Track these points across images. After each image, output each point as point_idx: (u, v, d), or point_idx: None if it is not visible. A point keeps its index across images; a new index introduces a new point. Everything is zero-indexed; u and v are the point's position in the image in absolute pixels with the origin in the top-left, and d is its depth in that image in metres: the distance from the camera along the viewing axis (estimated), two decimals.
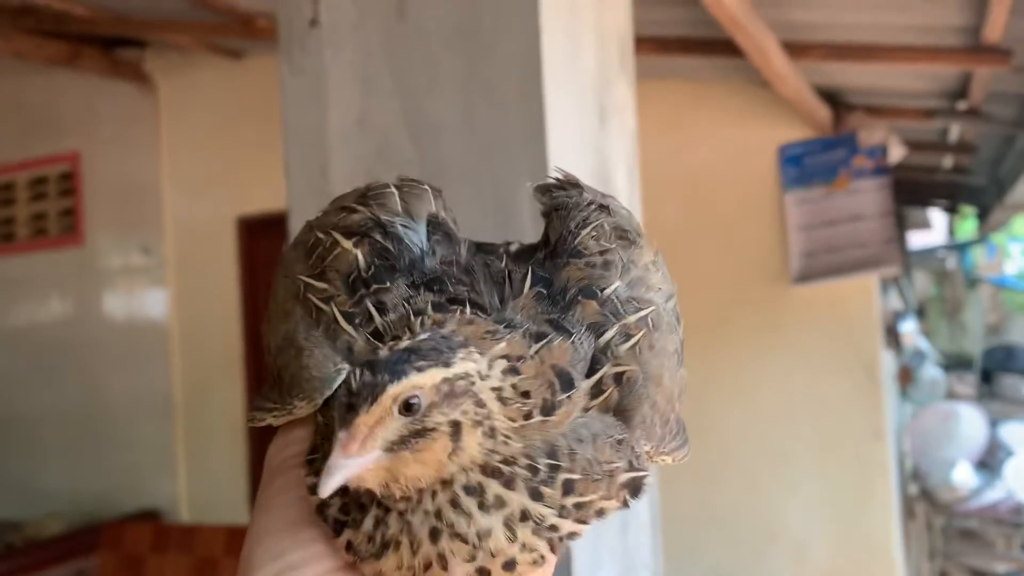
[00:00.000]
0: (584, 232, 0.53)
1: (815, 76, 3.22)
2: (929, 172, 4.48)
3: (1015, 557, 4.51)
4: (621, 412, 0.49)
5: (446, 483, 0.46)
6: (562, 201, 0.56)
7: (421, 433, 0.45)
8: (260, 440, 4.13)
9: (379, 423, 0.45)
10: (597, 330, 0.49)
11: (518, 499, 0.46)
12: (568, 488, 0.46)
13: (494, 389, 0.46)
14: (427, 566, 0.45)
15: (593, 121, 1.24)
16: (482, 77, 1.13)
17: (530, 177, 1.13)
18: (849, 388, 3.53)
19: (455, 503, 0.46)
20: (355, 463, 0.45)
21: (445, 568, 0.45)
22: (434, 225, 0.54)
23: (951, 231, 7.50)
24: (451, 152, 1.14)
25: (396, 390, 0.44)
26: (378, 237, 0.53)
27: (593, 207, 0.55)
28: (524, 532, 0.46)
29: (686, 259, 3.63)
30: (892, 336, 3.96)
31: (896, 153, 3.62)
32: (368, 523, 0.46)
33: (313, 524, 0.47)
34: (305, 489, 0.48)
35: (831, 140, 3.60)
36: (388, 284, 0.51)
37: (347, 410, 0.44)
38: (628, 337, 0.50)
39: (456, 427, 0.45)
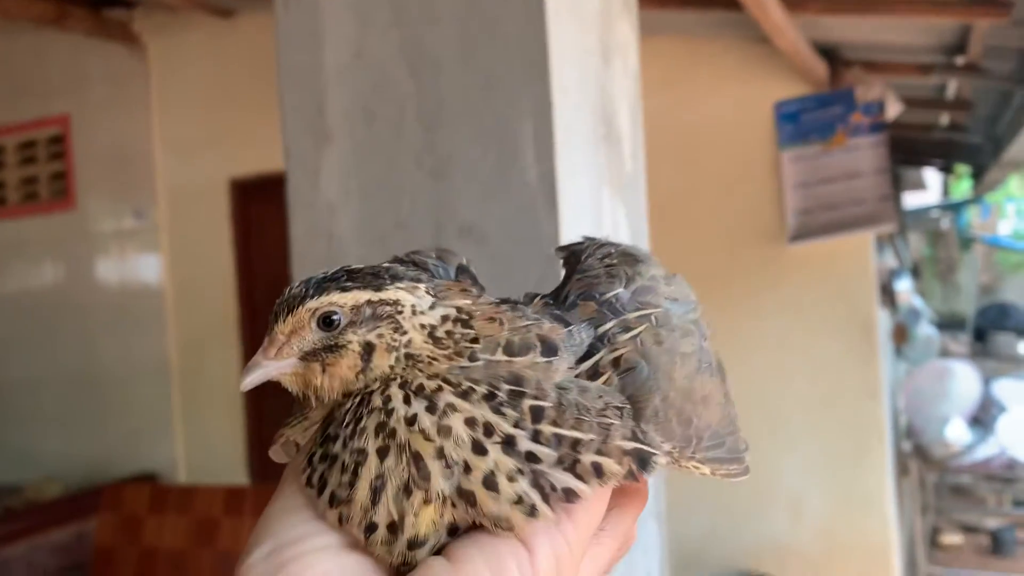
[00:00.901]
0: (591, 259, 0.57)
1: (812, 31, 3.19)
2: (925, 130, 4.46)
3: (1006, 513, 4.56)
4: (630, 403, 0.49)
5: (386, 383, 0.48)
6: (576, 247, 0.60)
7: (333, 348, 0.49)
8: (257, 402, 4.13)
9: (295, 333, 0.49)
10: (595, 325, 0.51)
11: (478, 410, 0.46)
12: (537, 414, 0.46)
13: (424, 326, 0.49)
14: (406, 488, 0.45)
15: (596, 58, 1.22)
16: (483, 9, 1.11)
17: (532, 114, 1.11)
18: (844, 346, 3.54)
19: (395, 398, 0.47)
20: (273, 366, 0.50)
21: (427, 480, 0.44)
22: (463, 270, 0.61)
23: (945, 191, 7.49)
24: (450, 87, 1.12)
25: (313, 304, 0.49)
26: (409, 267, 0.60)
27: (603, 242, 0.59)
28: (495, 450, 0.45)
29: (681, 218, 3.62)
30: (887, 294, 3.97)
31: (893, 109, 3.60)
32: (336, 447, 0.47)
33: (312, 508, 0.47)
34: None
35: (828, 96, 3.57)
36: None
37: (273, 317, 0.50)
38: (628, 329, 0.51)
39: (368, 348, 0.49)
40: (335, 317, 0.49)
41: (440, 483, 0.44)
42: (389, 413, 0.46)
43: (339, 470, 0.46)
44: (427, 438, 0.45)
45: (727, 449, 0.55)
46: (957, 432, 3.91)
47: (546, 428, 0.46)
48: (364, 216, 1.31)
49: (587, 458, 0.46)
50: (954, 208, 7.03)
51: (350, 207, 1.32)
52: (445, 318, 0.49)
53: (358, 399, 0.48)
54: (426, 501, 0.44)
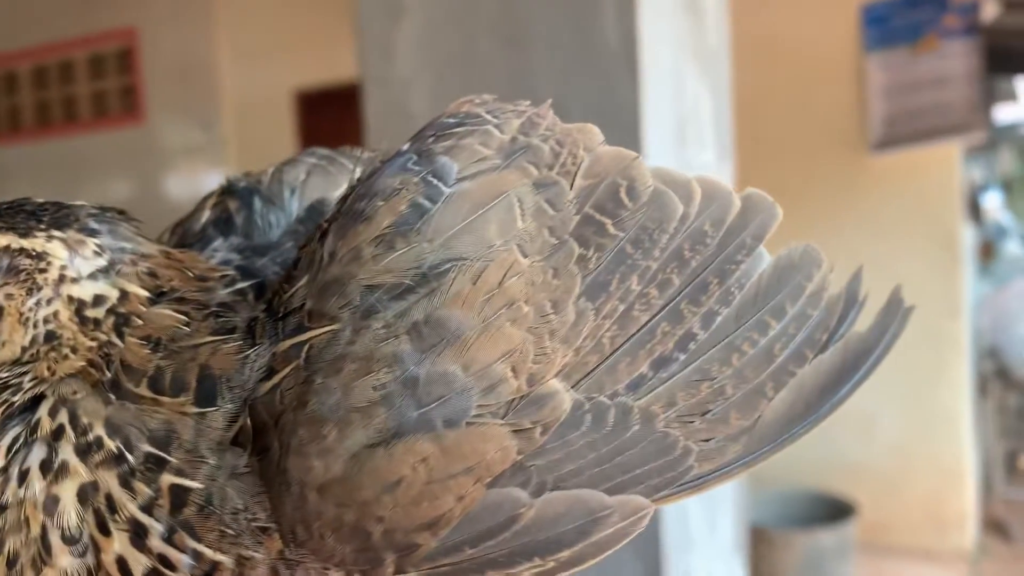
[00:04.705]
0: (327, 217, 0.41)
1: None
2: (1023, 36, 4.18)
3: None
4: (272, 503, 0.35)
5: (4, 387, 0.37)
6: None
7: None
8: None
9: None
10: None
11: (100, 476, 0.35)
12: (178, 501, 0.35)
13: (73, 299, 0.38)
14: (34, 561, 0.36)
15: None
16: None
17: None
18: (926, 262, 3.40)
19: (6, 431, 0.37)
20: None
21: (50, 555, 0.36)
22: (313, 212, 0.48)
23: None
24: None
25: None
26: (231, 206, 0.48)
27: (367, 177, 0.41)
28: (121, 539, 0.35)
29: (758, 125, 3.47)
30: (974, 209, 3.79)
31: (989, 11, 3.38)
32: None
33: None
34: None
35: None
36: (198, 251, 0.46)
37: None
38: (271, 373, 0.36)
39: None
40: None
41: (67, 560, 0.36)
42: None
43: None
44: (35, 507, 0.36)
45: (510, 538, 0.35)
46: None
47: (183, 534, 0.35)
48: (440, 91, 1.27)
49: None
50: None
51: (425, 82, 1.28)
52: (100, 299, 0.38)
53: None
54: None
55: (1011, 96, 5.54)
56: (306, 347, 0.34)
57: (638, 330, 0.38)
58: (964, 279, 3.47)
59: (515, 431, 0.34)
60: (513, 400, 0.34)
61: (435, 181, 0.37)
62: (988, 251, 4.13)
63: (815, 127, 3.50)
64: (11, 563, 0.36)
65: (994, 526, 3.75)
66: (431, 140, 0.39)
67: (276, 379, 0.35)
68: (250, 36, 4.23)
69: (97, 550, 0.35)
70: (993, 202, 4.08)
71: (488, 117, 0.41)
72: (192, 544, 0.35)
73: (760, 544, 3.20)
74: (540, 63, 1.19)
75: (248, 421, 0.35)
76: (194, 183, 4.48)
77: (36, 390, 0.37)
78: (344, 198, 0.39)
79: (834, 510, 3.41)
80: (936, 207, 3.40)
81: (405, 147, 0.40)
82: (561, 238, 0.38)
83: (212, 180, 4.42)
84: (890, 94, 3.38)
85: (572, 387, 0.37)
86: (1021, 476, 4.08)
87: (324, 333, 0.34)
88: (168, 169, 4.51)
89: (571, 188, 0.40)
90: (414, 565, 0.34)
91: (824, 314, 0.41)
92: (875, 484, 3.53)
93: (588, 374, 0.37)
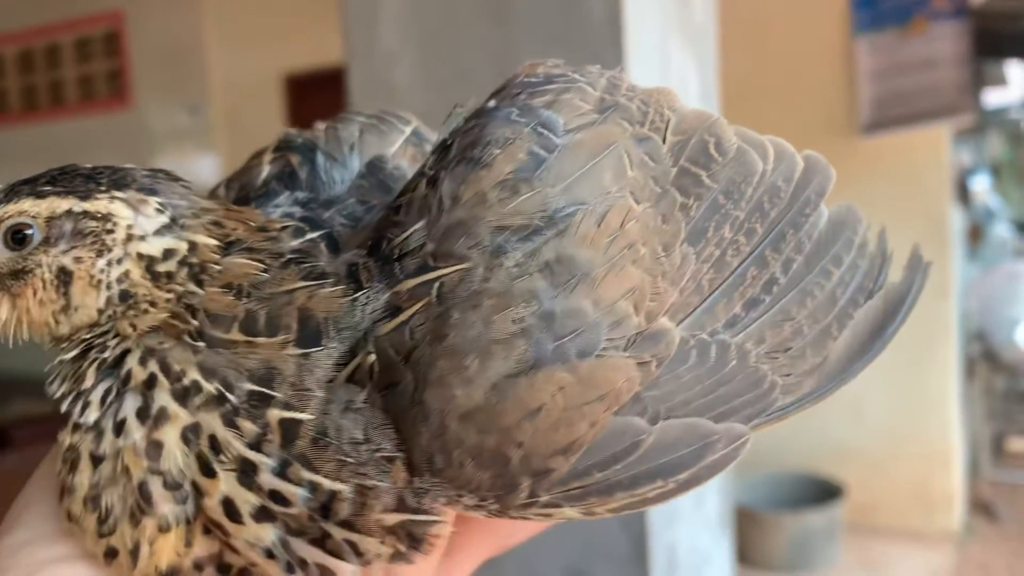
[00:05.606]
0: (431, 159, 0.41)
1: None
2: (1012, 19, 4.18)
3: None
4: (402, 434, 0.36)
5: (88, 346, 0.38)
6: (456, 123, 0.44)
7: (20, 274, 0.38)
8: None
9: None
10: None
11: (201, 418, 0.36)
12: (289, 434, 0.35)
13: (143, 256, 0.38)
14: (132, 512, 0.36)
15: None
16: None
17: None
18: (915, 245, 3.40)
19: (96, 386, 0.37)
20: None
21: (150, 503, 0.36)
22: (373, 169, 0.48)
23: None
24: None
25: None
26: (294, 160, 0.48)
27: (469, 123, 0.42)
28: (227, 479, 0.35)
29: (747, 108, 3.47)
30: (962, 192, 3.80)
31: None
32: (65, 437, 0.38)
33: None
34: None
35: None
36: (262, 207, 0.45)
37: None
38: (396, 311, 0.36)
39: (65, 277, 0.38)
40: (28, 232, 0.38)
41: (168, 508, 0.36)
42: (87, 406, 0.37)
43: (65, 467, 0.38)
44: (135, 454, 0.36)
45: (634, 462, 0.38)
46: None
47: (297, 466, 0.35)
48: (424, 65, 1.26)
49: (339, 533, 0.36)
50: None
51: (410, 56, 1.27)
52: (170, 253, 0.38)
53: (71, 361, 0.38)
54: (161, 529, 0.36)
55: (1000, 80, 5.55)
56: (436, 285, 0.36)
57: (730, 274, 0.42)
58: (952, 262, 3.49)
59: (638, 363, 0.38)
60: (633, 335, 0.38)
61: (545, 132, 0.39)
62: (976, 234, 4.15)
63: (804, 110, 3.50)
64: (103, 519, 0.36)
65: (981, 507, 3.78)
66: (524, 96, 0.41)
67: (403, 316, 0.36)
68: (238, 19, 4.20)
69: (199, 495, 0.36)
70: (981, 185, 4.09)
71: (577, 76, 0.43)
72: (308, 476, 0.35)
73: (749, 525, 3.22)
74: (524, 38, 1.19)
75: (371, 358, 0.36)
76: (183, 167, 4.46)
77: (123, 346, 0.38)
78: (444, 148, 0.40)
79: (822, 492, 3.43)
80: (925, 190, 3.41)
81: (493, 103, 0.42)
82: (664, 187, 0.42)
83: (201, 164, 4.40)
84: (879, 77, 3.39)
85: (677, 325, 0.40)
86: (1007, 458, 4.11)
87: (455, 271, 0.36)
88: (156, 153, 4.49)
89: (664, 143, 0.43)
90: (546, 489, 0.37)
91: (868, 264, 0.46)
92: (863, 466, 3.56)
93: (690, 313, 0.41)
